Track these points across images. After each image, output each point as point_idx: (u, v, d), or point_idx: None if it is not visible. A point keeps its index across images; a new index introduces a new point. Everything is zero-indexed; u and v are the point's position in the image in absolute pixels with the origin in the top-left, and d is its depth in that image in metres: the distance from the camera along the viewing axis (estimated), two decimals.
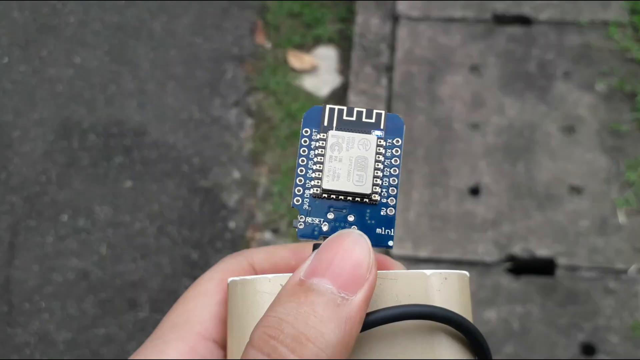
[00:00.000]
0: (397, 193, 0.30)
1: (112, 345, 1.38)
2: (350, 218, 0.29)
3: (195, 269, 1.44)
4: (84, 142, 1.58)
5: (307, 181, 0.29)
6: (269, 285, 0.28)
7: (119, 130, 1.59)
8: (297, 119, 1.59)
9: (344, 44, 1.72)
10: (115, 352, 1.37)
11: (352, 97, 1.60)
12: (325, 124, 0.30)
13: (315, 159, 0.30)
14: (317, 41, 1.73)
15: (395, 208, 0.30)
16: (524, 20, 1.64)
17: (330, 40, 1.73)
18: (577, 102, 1.52)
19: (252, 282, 0.28)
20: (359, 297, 0.25)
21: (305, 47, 1.72)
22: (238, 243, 1.47)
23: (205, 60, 1.69)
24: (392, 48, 1.65)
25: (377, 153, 0.29)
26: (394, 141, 0.30)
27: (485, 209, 1.41)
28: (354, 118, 0.30)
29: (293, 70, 1.68)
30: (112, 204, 1.51)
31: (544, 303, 1.31)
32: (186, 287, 0.34)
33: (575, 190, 1.42)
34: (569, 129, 1.49)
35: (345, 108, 0.30)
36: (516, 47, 1.60)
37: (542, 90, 1.54)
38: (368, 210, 0.29)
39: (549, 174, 1.44)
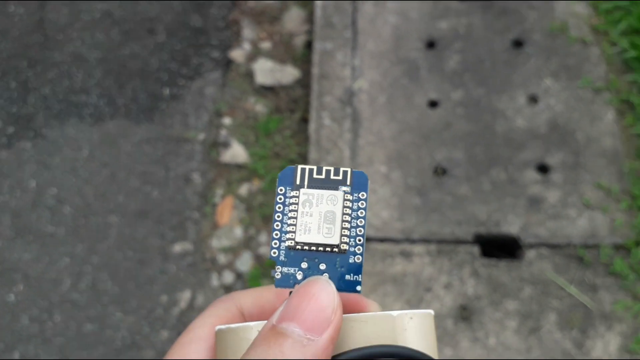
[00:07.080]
0: (363, 242, 0.32)
1: (137, 60, 1.67)
2: (322, 266, 0.32)
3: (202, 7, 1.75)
4: None
5: (283, 235, 0.32)
6: (252, 332, 0.31)
7: None
8: None
9: None
10: (138, 67, 1.67)
11: None
12: (298, 182, 0.33)
13: (289, 214, 0.33)
14: None
15: (362, 256, 0.32)
16: None
17: None
18: None
19: (237, 330, 0.31)
20: (324, 337, 0.27)
21: None
22: None
23: None
24: None
25: (344, 207, 0.32)
26: (360, 195, 0.33)
27: None
28: (323, 176, 0.33)
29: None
30: None
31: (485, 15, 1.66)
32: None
33: None
34: None
35: (315, 167, 0.33)
36: None
37: None
38: (338, 259, 0.32)
39: None
